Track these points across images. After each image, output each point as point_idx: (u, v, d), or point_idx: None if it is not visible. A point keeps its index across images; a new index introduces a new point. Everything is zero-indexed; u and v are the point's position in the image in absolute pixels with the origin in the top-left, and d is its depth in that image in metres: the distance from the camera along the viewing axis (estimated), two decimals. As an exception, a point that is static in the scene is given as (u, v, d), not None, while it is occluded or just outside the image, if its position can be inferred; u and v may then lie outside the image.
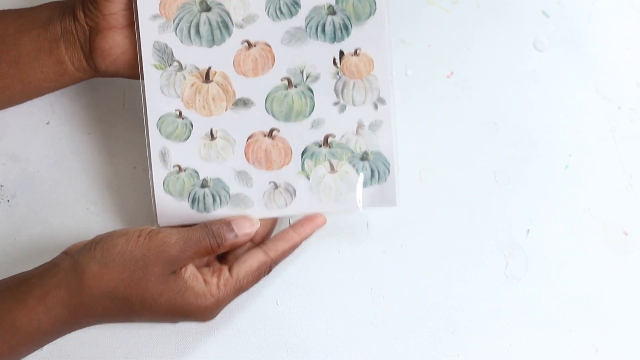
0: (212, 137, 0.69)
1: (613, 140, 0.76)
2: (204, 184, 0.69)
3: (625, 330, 0.73)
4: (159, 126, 0.68)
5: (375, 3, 0.68)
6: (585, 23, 0.77)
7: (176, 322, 0.69)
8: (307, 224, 0.69)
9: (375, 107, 0.69)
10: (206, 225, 0.67)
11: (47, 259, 0.67)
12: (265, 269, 0.67)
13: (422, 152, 0.75)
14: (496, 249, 0.74)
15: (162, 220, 0.69)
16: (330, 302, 0.73)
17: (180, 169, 0.69)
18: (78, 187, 0.74)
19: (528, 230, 0.74)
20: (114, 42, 0.68)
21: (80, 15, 0.68)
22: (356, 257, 0.74)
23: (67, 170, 0.74)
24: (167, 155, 0.68)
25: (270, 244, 0.68)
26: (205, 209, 0.69)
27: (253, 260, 0.67)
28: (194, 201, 0.69)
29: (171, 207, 0.69)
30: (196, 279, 0.65)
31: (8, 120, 0.74)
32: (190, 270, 0.66)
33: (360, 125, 0.69)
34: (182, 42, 0.68)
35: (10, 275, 0.66)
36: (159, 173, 0.68)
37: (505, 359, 0.73)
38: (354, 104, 0.69)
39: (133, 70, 0.69)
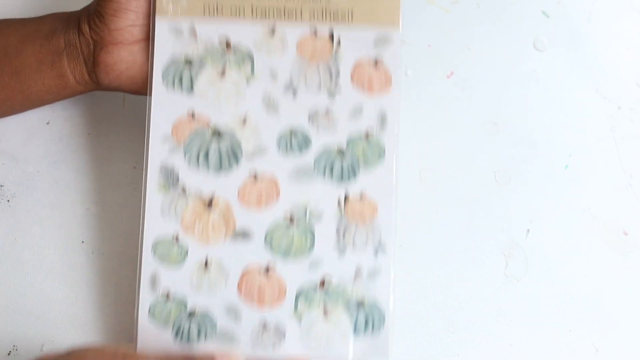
0: (207, 266, 0.67)
1: (613, 140, 0.76)
2: (190, 315, 0.66)
3: (625, 330, 0.73)
4: (154, 248, 0.67)
5: (384, 151, 0.68)
6: (585, 23, 0.77)
7: None
8: None
9: (376, 253, 0.67)
10: (187, 355, 0.63)
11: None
12: None
13: (422, 152, 0.75)
14: (496, 249, 0.74)
15: (141, 347, 0.66)
16: (330, 302, 0.73)
17: (168, 296, 0.66)
18: (78, 187, 0.74)
19: (528, 230, 0.74)
20: (119, 58, 0.67)
21: (86, 28, 0.67)
22: (356, 257, 0.74)
23: (67, 170, 0.74)
24: (157, 280, 0.66)
25: None
26: (189, 341, 0.66)
27: None
28: (177, 332, 0.66)
29: (153, 334, 0.66)
30: None
31: (8, 120, 0.74)
32: None
33: (358, 271, 0.67)
34: (189, 165, 0.67)
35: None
36: (146, 298, 0.66)
37: (505, 359, 0.73)
38: (354, 248, 0.67)
39: (136, 86, 0.68)
